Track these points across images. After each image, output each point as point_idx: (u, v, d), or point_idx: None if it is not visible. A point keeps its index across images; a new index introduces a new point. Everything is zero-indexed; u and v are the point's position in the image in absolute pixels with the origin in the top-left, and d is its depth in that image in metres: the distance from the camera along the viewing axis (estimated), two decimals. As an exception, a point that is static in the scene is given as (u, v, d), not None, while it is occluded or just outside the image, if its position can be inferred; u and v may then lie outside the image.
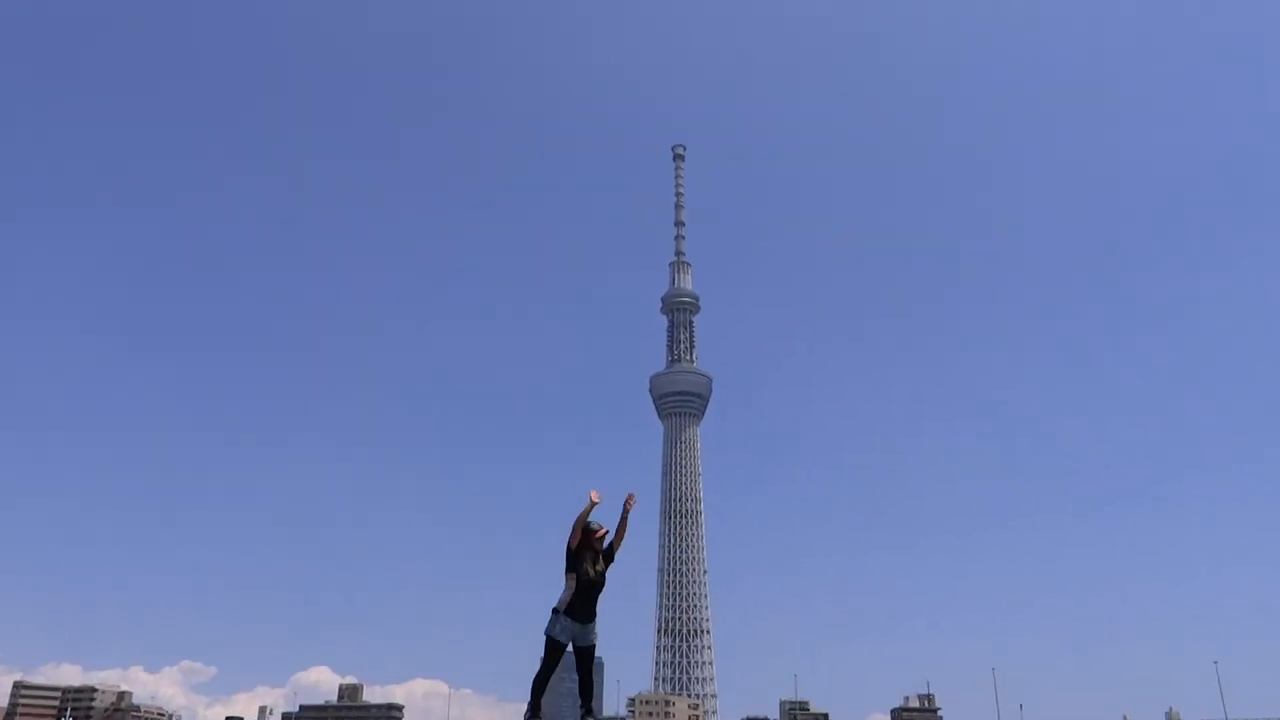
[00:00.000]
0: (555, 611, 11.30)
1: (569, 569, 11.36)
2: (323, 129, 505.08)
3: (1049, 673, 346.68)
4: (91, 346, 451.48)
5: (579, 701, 11.80)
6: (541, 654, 11.49)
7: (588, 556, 11.36)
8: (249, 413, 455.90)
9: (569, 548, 11.38)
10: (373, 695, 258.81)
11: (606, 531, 11.58)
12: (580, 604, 11.26)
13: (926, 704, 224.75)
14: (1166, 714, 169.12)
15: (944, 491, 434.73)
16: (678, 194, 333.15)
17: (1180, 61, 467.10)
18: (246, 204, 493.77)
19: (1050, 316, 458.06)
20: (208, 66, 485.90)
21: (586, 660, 11.49)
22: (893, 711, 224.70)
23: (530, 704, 11.49)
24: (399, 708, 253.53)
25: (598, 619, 11.50)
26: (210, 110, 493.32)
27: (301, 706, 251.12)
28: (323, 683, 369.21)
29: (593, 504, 11.15)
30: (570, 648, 11.46)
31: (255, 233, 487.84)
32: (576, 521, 11.24)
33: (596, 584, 11.33)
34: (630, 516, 11.76)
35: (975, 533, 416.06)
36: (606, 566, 11.55)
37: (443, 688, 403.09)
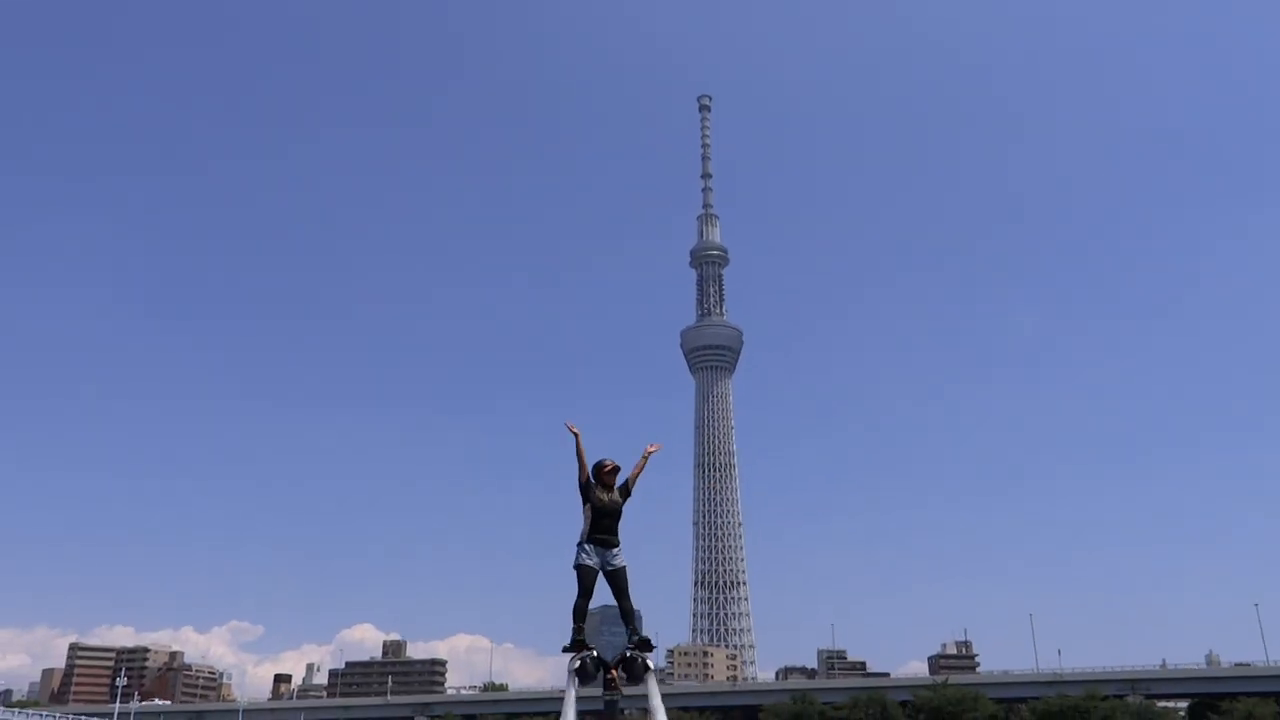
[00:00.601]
0: (579, 544, 11.70)
1: (585, 501, 11.77)
2: (353, 95, 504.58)
3: (1087, 619, 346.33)
4: (140, 313, 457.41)
5: (625, 627, 11.89)
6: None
7: (600, 487, 11.76)
8: (292, 378, 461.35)
9: (580, 483, 11.79)
10: (416, 651, 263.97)
11: (617, 467, 11.92)
12: (599, 530, 11.64)
13: (964, 651, 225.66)
14: (1206, 657, 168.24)
15: (980, 442, 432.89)
16: (704, 146, 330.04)
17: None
18: (278, 174, 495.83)
19: (1085, 265, 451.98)
20: (242, 33, 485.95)
21: (620, 583, 11.72)
22: (930, 659, 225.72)
23: (574, 629, 11.59)
24: (442, 663, 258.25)
25: (621, 547, 11.85)
26: (242, 79, 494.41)
27: (347, 663, 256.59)
28: (367, 640, 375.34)
29: (573, 434, 11.70)
30: (601, 576, 11.70)
31: (289, 202, 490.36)
32: (577, 456, 11.74)
33: (611, 510, 11.71)
34: (653, 461, 12.20)
35: (1013, 482, 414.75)
36: (624, 499, 11.89)
37: (484, 642, 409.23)
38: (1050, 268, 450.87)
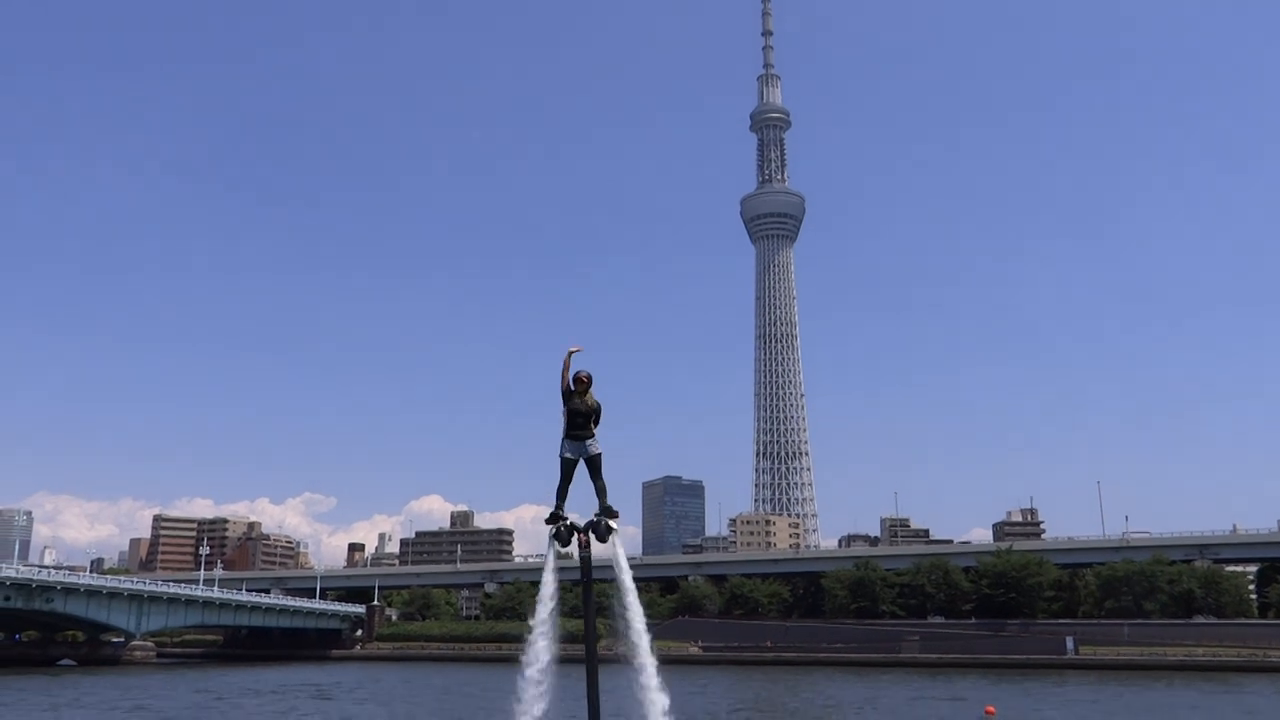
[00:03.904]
0: (563, 439, 14.41)
1: (565, 404, 14.41)
2: None
3: (1155, 485, 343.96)
4: (206, 188, 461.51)
5: (598, 500, 14.67)
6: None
7: (576, 393, 14.39)
8: (365, 255, 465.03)
9: (561, 390, 14.39)
10: (483, 522, 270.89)
11: (590, 377, 14.43)
12: (574, 428, 14.35)
13: (1029, 518, 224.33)
14: (1278, 522, 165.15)
15: (1047, 308, 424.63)
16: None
17: None
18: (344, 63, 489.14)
19: (1160, 132, 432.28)
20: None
21: (595, 465, 14.60)
22: (995, 526, 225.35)
23: (556, 504, 14.54)
24: (509, 532, 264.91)
25: (596, 438, 14.54)
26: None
27: (418, 533, 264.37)
28: (435, 510, 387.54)
29: (572, 352, 14.45)
30: (582, 462, 14.48)
31: (358, 90, 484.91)
32: (564, 367, 14.29)
33: (585, 412, 14.36)
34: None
35: (1079, 348, 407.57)
36: (595, 404, 14.47)
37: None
38: (1124, 131, 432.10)
